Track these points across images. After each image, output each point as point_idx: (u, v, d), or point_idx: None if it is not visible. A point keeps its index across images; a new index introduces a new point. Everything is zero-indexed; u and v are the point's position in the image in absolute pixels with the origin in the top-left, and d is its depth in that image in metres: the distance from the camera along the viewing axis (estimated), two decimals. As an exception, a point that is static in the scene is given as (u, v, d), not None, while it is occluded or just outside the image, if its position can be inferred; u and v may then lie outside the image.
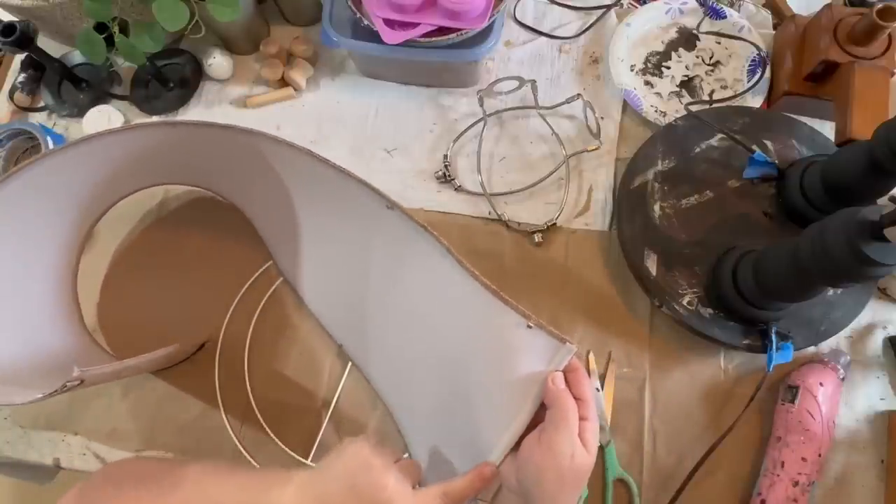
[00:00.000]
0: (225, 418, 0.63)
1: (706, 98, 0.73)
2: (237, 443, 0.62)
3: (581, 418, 0.43)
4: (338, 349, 0.65)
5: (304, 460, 0.61)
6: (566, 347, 0.44)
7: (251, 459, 0.61)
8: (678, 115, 0.69)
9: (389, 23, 0.65)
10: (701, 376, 0.63)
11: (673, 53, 0.76)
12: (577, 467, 0.42)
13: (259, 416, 0.63)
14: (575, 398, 0.44)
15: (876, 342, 0.64)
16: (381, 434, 0.62)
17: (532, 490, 0.43)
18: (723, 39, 0.76)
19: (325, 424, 0.62)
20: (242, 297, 0.67)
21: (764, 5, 0.78)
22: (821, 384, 0.57)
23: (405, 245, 0.55)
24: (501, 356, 0.48)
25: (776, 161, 0.64)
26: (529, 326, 0.46)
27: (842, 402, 0.61)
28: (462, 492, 0.44)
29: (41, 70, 0.78)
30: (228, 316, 0.67)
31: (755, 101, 0.71)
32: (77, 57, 0.78)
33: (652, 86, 0.74)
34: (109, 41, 0.66)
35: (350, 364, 0.64)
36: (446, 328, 0.54)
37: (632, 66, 0.75)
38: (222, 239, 0.70)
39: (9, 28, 0.65)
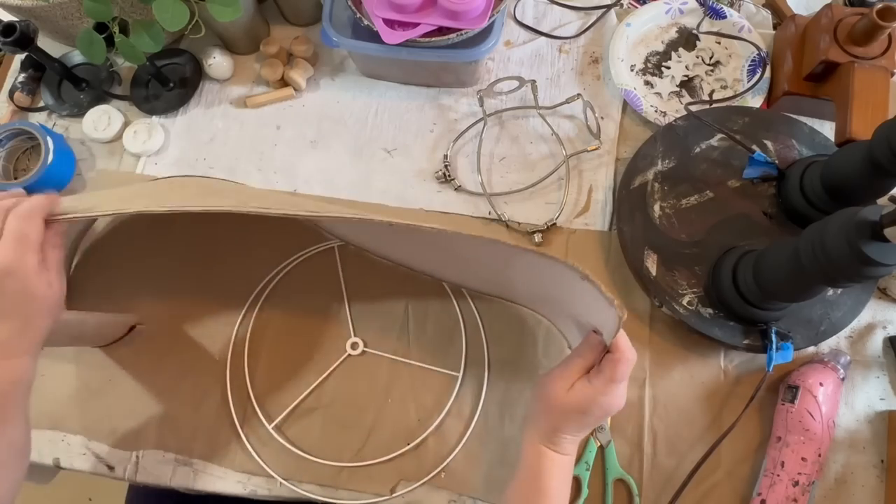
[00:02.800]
0: (234, 415, 0.63)
1: (706, 98, 0.73)
2: (243, 439, 0.62)
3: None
4: (338, 347, 0.65)
5: (309, 456, 0.61)
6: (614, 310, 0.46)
7: (257, 457, 0.61)
8: (678, 115, 0.69)
9: (389, 23, 0.65)
10: (701, 376, 0.63)
11: (673, 53, 0.76)
12: (598, 412, 0.49)
13: (259, 412, 0.63)
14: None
15: (876, 342, 0.64)
16: (380, 429, 0.62)
17: (542, 410, 0.51)
18: (723, 39, 0.76)
19: (322, 421, 0.62)
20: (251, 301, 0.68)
21: (764, 5, 0.78)
22: (821, 384, 0.57)
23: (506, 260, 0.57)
24: (581, 302, 0.52)
25: (776, 161, 0.65)
26: (583, 279, 0.48)
27: (842, 402, 0.61)
28: None
29: (41, 70, 0.78)
30: (239, 321, 0.67)
31: (755, 101, 0.71)
32: (77, 57, 0.78)
33: (652, 86, 0.75)
34: (109, 41, 0.66)
35: (341, 358, 0.64)
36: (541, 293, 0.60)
37: (632, 66, 0.75)
38: (231, 243, 0.70)
39: (9, 28, 0.64)
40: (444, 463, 0.61)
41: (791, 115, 0.68)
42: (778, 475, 0.56)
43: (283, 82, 0.76)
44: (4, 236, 0.43)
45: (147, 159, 0.74)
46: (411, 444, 0.61)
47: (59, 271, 0.47)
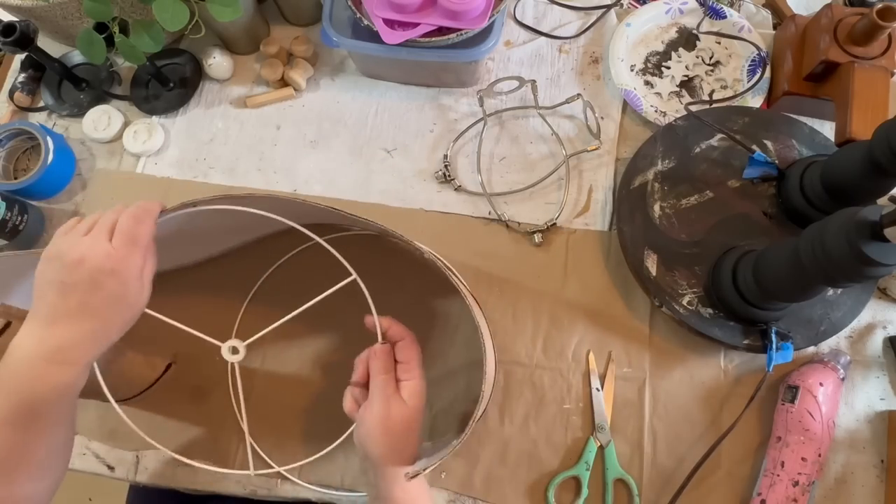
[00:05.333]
0: (239, 416, 0.63)
1: (706, 98, 0.73)
2: (247, 435, 0.62)
3: (401, 379, 0.48)
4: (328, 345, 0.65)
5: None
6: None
7: (264, 455, 0.61)
8: (678, 115, 0.69)
9: (389, 23, 0.65)
10: (701, 376, 0.63)
11: (673, 53, 0.76)
12: (398, 417, 0.47)
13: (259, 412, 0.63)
14: (399, 361, 0.49)
15: (876, 342, 0.64)
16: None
17: (366, 446, 0.48)
18: (723, 39, 0.76)
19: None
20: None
21: (764, 5, 0.78)
22: (821, 384, 0.57)
23: None
24: None
25: (776, 161, 0.65)
26: None
27: (842, 402, 0.61)
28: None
29: (41, 70, 0.78)
30: (239, 319, 0.67)
31: (755, 101, 0.71)
32: (77, 57, 0.78)
33: (652, 86, 0.75)
34: (109, 41, 0.66)
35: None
36: None
37: (632, 66, 0.75)
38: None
39: (9, 28, 0.64)
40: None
41: (791, 115, 0.68)
42: (778, 475, 0.56)
43: (283, 82, 0.76)
44: (117, 234, 0.42)
45: (147, 159, 0.74)
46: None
47: (150, 281, 0.45)
